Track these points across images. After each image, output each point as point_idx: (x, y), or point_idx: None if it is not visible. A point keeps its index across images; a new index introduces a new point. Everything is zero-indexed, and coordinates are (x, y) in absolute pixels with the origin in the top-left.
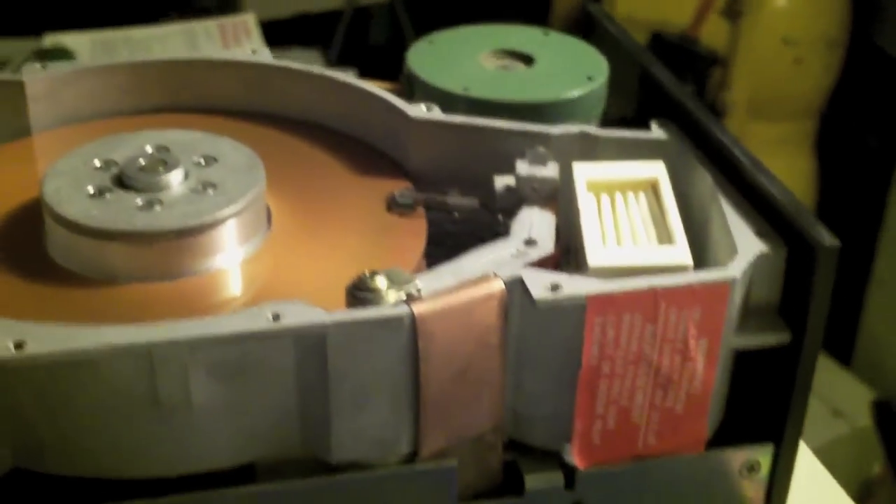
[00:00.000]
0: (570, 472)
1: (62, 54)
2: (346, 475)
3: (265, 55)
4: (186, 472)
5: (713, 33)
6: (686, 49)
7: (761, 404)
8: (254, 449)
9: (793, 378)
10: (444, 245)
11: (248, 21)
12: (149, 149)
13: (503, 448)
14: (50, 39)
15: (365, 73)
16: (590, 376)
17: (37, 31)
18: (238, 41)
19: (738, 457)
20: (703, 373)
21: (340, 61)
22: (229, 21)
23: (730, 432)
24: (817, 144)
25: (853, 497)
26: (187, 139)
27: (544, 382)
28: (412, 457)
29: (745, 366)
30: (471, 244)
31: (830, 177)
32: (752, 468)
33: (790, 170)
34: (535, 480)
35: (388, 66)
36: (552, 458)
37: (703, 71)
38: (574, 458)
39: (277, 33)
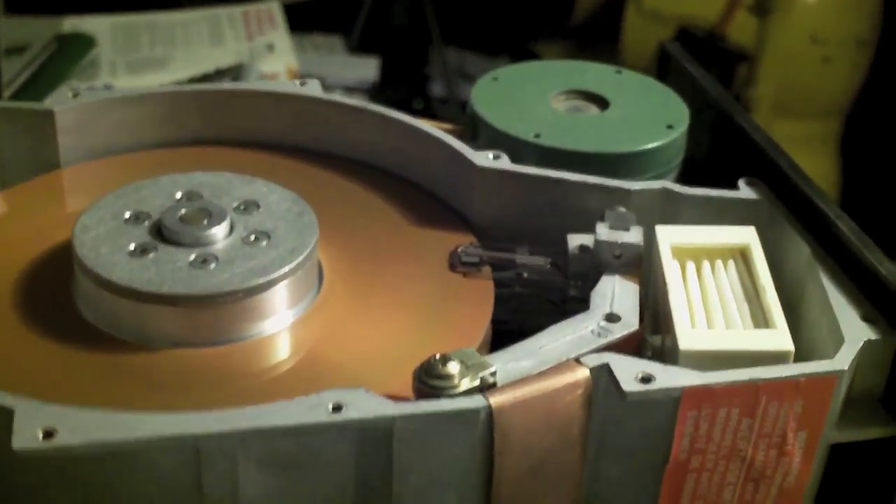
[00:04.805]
0: None
1: (82, 40)
2: None
3: (315, 87)
4: None
5: (741, 29)
6: (713, 45)
7: (858, 499)
8: None
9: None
10: (507, 305)
11: (272, 9)
12: (178, 195)
13: None
14: (69, 23)
15: (387, 55)
16: (677, 470)
17: (56, 9)
18: (262, 29)
19: None
20: (800, 467)
21: (362, 44)
22: (253, 8)
23: None
24: (841, 144)
25: None
26: (218, 182)
27: (625, 473)
28: None
29: (839, 456)
30: (538, 306)
31: (854, 177)
32: None
33: (813, 169)
34: None
35: (410, 48)
36: None
37: (730, 67)
38: None
39: (298, 16)
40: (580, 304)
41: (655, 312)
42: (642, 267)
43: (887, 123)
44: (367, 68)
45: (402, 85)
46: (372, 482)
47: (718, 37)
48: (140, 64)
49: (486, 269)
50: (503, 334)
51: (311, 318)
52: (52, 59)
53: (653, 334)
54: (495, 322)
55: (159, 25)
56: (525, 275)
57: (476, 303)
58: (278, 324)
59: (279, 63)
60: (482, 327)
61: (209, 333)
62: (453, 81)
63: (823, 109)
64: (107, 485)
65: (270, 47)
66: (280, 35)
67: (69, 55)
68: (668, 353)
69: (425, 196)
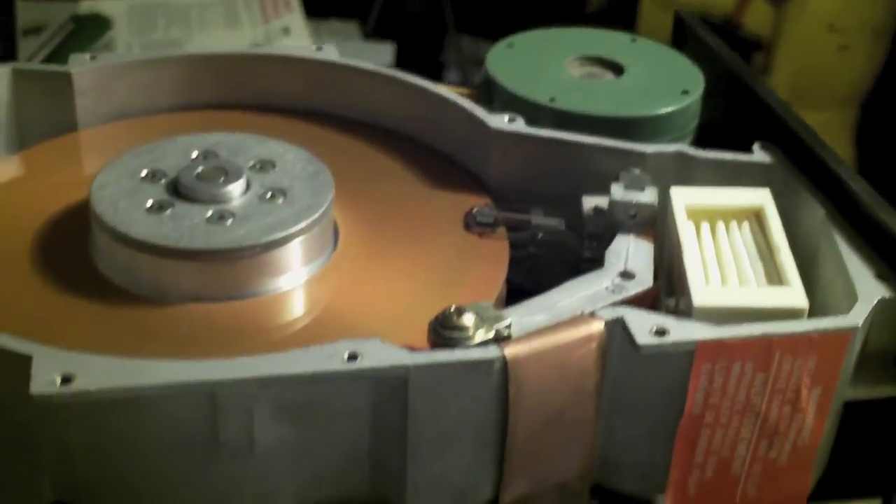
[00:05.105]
0: None
1: (98, 21)
2: None
3: (331, 52)
4: None
5: (757, 18)
6: (729, 33)
7: (870, 456)
8: (319, 492)
9: None
10: (521, 266)
11: None
12: (194, 154)
13: (589, 495)
14: (86, 5)
15: (402, 42)
16: (691, 425)
17: None
18: (277, 12)
19: None
20: (813, 424)
21: (378, 31)
22: None
23: (833, 485)
24: (857, 133)
25: None
26: (233, 142)
27: (639, 428)
28: (491, 503)
29: (852, 414)
30: (552, 267)
31: (869, 166)
32: None
33: None
34: None
35: (425, 35)
36: None
37: (746, 56)
38: None
39: (314, 2)
40: (594, 264)
41: (670, 274)
42: (657, 229)
43: None
44: (383, 54)
45: (417, 72)
46: (387, 432)
47: (734, 25)
48: (155, 46)
49: (501, 230)
50: (518, 295)
51: (327, 275)
52: (68, 40)
53: (667, 296)
54: (510, 283)
55: (175, 7)
56: (540, 235)
57: (491, 262)
58: (294, 280)
59: None
60: (497, 286)
61: (225, 289)
62: (468, 69)
63: (839, 98)
64: (124, 436)
65: (286, 30)
66: (296, 18)
67: (85, 36)
68: (682, 313)
69: (441, 159)
